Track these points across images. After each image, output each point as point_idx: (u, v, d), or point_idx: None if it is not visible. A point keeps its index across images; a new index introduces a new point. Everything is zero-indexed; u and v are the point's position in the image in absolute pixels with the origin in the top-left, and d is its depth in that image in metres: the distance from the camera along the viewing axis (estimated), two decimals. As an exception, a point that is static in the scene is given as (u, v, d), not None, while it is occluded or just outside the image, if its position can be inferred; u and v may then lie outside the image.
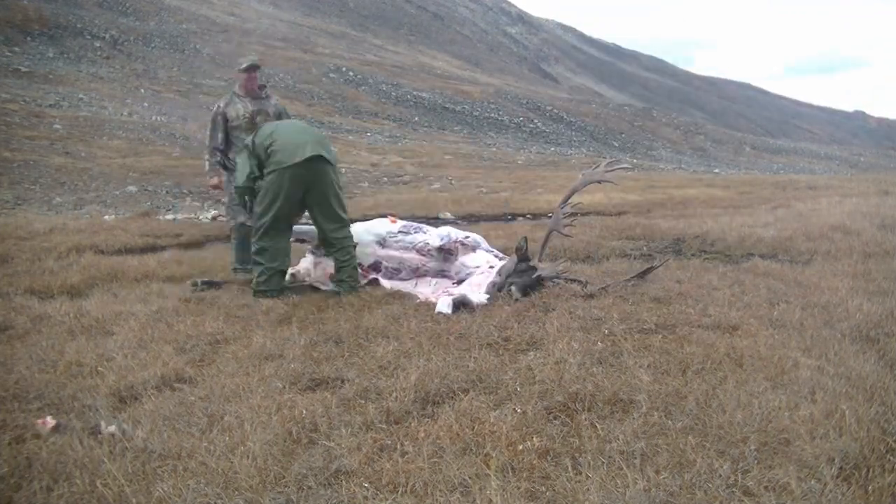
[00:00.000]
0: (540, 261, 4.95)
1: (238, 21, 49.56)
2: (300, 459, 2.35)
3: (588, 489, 2.11)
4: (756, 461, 2.25)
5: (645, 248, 6.84)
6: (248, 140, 5.06)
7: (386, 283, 5.14)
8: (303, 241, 5.69)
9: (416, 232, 5.41)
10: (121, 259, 6.39)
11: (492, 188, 17.16)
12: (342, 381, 3.09)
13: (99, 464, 2.35)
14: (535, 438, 2.45)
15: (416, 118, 38.78)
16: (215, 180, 6.13)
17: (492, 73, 63.98)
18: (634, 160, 33.38)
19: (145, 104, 26.75)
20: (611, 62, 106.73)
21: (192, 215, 11.82)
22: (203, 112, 28.11)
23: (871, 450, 2.30)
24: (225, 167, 6.02)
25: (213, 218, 11.24)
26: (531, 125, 43.54)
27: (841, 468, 2.21)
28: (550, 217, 5.68)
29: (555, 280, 4.82)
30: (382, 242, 5.34)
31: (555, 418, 2.64)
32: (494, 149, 32.45)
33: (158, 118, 24.60)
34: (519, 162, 27.49)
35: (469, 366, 3.19)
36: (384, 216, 5.89)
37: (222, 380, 3.16)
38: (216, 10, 50.32)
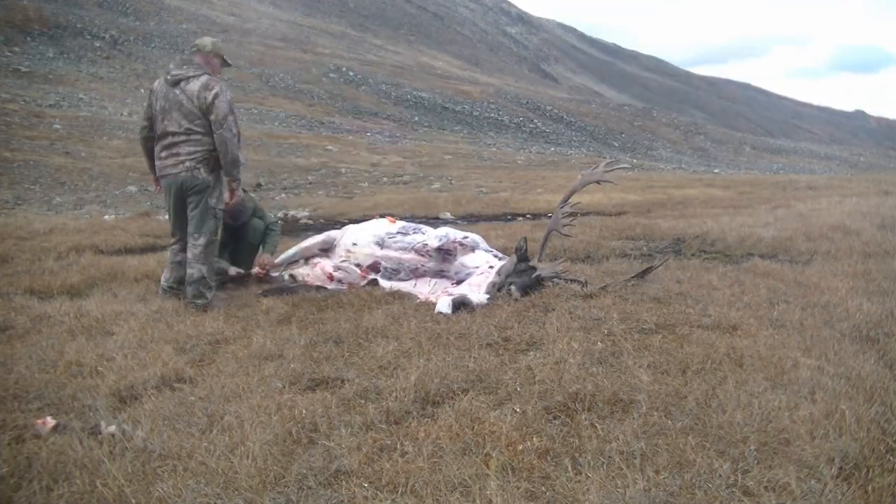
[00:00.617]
0: (540, 261, 4.96)
1: (238, 21, 49.59)
2: (300, 459, 2.35)
3: (588, 489, 2.11)
4: (756, 461, 2.25)
5: (645, 248, 6.83)
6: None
7: (385, 284, 5.15)
8: (295, 262, 5.72)
9: (414, 233, 5.42)
10: (121, 259, 6.38)
11: (492, 188, 17.16)
12: (342, 381, 3.09)
13: (99, 464, 2.35)
14: (535, 438, 2.45)
15: (416, 118, 38.80)
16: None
17: (492, 73, 64.01)
18: (634, 160, 33.41)
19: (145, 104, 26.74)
20: (611, 62, 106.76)
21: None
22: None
23: (871, 450, 2.30)
24: None
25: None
26: (531, 125, 43.56)
27: (841, 468, 2.21)
28: (550, 217, 5.68)
29: (554, 280, 4.82)
30: (381, 243, 5.35)
31: (555, 418, 2.64)
32: (494, 149, 32.47)
33: (158, 118, 24.56)
34: (519, 162, 27.50)
35: (469, 366, 3.19)
36: (384, 216, 5.90)
37: (222, 380, 3.15)
38: (216, 10, 50.35)
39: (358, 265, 5.30)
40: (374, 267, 5.33)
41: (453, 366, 3.19)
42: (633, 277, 4.88)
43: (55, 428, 2.66)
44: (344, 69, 43.94)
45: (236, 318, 4.31)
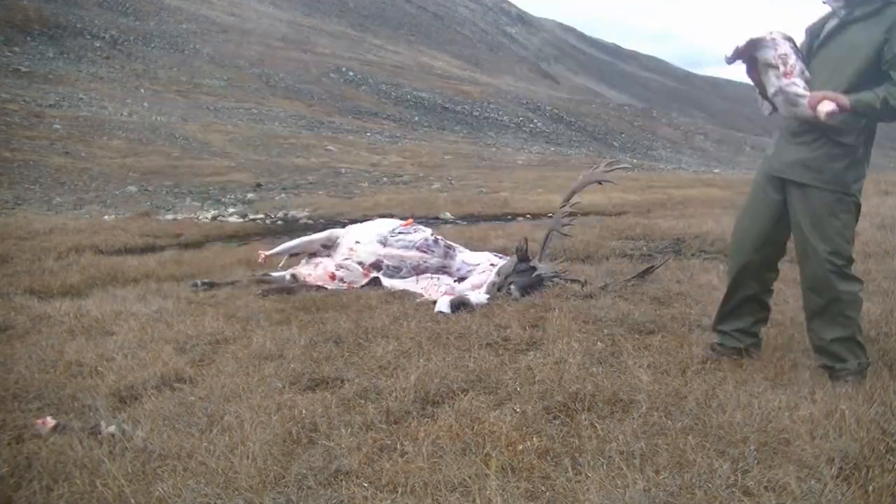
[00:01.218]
0: (540, 261, 4.96)
1: (238, 21, 49.55)
2: (300, 459, 2.35)
3: (588, 489, 2.11)
4: (756, 461, 2.25)
5: (645, 248, 6.83)
6: None
7: (387, 282, 5.16)
8: (296, 254, 5.71)
9: (416, 231, 5.46)
10: (121, 259, 6.39)
11: (492, 188, 17.15)
12: (342, 381, 3.09)
13: (99, 464, 2.35)
14: (534, 438, 2.45)
15: (416, 118, 38.78)
16: None
17: (492, 73, 63.97)
18: (634, 160, 33.35)
19: (145, 104, 26.77)
20: (611, 62, 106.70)
21: (192, 215, 11.83)
22: (203, 112, 28.23)
23: (871, 450, 2.30)
24: None
25: (213, 218, 11.25)
26: (531, 125, 43.53)
27: (841, 468, 2.21)
28: (550, 217, 5.68)
29: (554, 280, 4.82)
30: (384, 241, 5.37)
31: (554, 418, 2.64)
32: (494, 149, 32.44)
33: (158, 118, 24.61)
34: (519, 162, 27.48)
35: (469, 366, 3.19)
36: (384, 216, 5.91)
37: (222, 380, 3.15)
38: (216, 10, 50.31)
39: (360, 263, 5.32)
40: (377, 265, 5.35)
41: (453, 366, 3.19)
42: (633, 277, 4.89)
43: (55, 428, 2.66)
44: (344, 69, 43.90)
45: (236, 318, 4.31)
